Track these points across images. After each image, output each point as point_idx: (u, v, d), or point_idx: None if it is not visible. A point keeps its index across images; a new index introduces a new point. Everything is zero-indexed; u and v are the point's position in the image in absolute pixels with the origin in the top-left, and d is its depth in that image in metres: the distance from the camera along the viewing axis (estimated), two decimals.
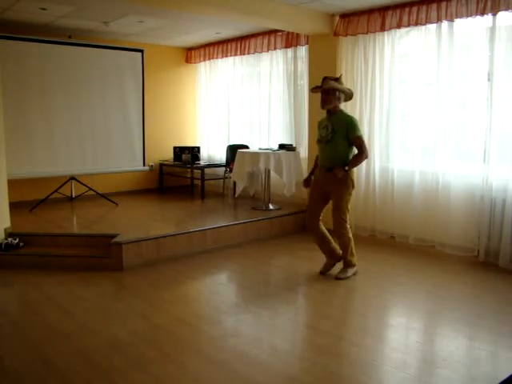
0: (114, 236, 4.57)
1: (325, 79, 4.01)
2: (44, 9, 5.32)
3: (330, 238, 4.23)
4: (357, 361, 2.76)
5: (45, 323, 3.26)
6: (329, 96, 3.96)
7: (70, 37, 6.50)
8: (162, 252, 4.69)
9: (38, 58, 6.08)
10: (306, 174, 4.95)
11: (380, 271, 4.40)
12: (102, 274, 4.28)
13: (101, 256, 4.50)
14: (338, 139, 3.93)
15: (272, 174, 6.10)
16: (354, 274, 4.21)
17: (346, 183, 3.98)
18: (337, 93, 3.97)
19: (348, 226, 4.09)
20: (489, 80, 4.44)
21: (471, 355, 2.89)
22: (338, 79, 4.04)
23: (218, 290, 4.06)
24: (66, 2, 5.07)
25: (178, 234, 4.87)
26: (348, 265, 4.17)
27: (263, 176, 6.26)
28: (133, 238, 4.53)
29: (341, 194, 4.00)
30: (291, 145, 6.29)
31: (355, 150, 4.01)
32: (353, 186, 4.05)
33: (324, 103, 4.00)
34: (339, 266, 4.20)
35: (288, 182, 5.89)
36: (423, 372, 2.64)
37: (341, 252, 4.21)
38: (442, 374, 2.59)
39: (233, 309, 3.55)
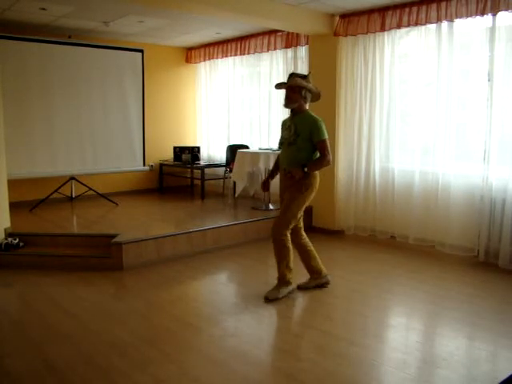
0: (114, 236, 4.57)
1: (291, 75, 3.67)
2: (44, 9, 5.32)
3: (313, 252, 3.85)
4: (357, 361, 2.76)
5: (45, 323, 3.26)
6: (294, 94, 3.58)
7: (69, 37, 6.51)
8: (162, 252, 4.68)
9: (38, 58, 6.08)
10: None
11: (380, 271, 4.40)
12: (102, 274, 4.28)
13: (101, 256, 4.50)
14: (300, 142, 3.55)
15: None
16: (290, 293, 3.69)
17: (302, 187, 3.57)
18: (303, 91, 3.58)
19: (289, 236, 3.62)
20: (489, 80, 4.45)
21: (471, 355, 2.89)
22: (306, 77, 3.67)
23: (217, 289, 4.06)
24: (66, 2, 5.07)
25: (178, 234, 4.87)
26: (281, 281, 3.66)
27: (263, 176, 6.25)
28: (133, 238, 4.53)
29: (293, 197, 3.58)
30: None
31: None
32: (313, 191, 3.62)
33: (288, 102, 3.62)
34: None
35: None
36: (423, 372, 2.64)
37: (323, 271, 3.87)
38: (442, 373, 2.59)
39: (233, 309, 3.55)
